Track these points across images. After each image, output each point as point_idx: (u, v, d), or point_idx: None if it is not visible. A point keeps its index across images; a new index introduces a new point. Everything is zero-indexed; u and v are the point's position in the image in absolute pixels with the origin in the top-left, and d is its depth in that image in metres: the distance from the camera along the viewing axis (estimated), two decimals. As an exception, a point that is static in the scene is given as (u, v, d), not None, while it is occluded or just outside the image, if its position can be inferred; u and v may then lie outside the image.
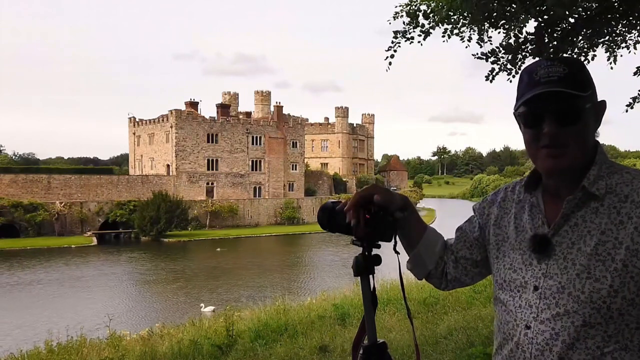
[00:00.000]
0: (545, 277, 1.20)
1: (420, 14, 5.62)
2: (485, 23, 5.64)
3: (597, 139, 1.27)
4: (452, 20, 5.61)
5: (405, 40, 5.78)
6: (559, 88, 1.17)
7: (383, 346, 1.32)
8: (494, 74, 6.11)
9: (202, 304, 22.52)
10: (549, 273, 1.20)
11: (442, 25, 5.66)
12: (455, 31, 5.73)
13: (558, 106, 1.18)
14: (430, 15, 5.60)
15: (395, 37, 5.78)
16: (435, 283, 1.52)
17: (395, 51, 5.84)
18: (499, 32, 5.88)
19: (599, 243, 1.15)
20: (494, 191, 1.47)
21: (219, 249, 43.92)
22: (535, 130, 1.22)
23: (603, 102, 1.27)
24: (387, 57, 5.86)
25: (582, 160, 1.22)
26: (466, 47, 5.92)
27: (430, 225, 1.50)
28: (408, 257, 1.50)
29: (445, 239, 1.52)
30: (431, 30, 5.72)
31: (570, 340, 1.14)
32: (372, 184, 1.43)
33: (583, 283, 1.14)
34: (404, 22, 5.75)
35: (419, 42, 5.80)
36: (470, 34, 5.81)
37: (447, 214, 71.42)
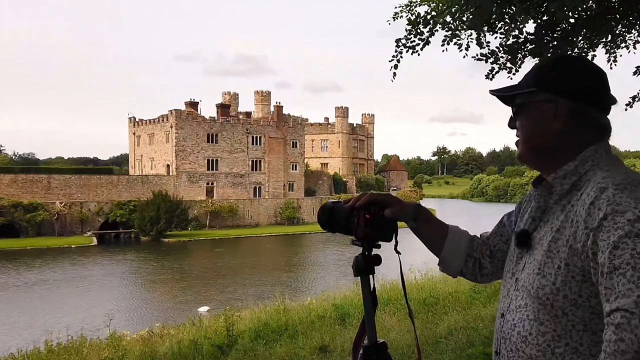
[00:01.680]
0: (522, 270, 1.25)
1: (420, 20, 5.62)
2: (484, 27, 5.64)
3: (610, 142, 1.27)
4: (451, 26, 5.62)
5: (407, 51, 5.80)
6: (494, 91, 1.34)
7: (383, 346, 1.33)
8: (493, 72, 6.13)
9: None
10: (525, 267, 1.24)
11: (442, 29, 5.66)
12: (455, 39, 5.74)
13: (505, 102, 1.35)
14: (430, 20, 5.60)
15: (398, 46, 5.79)
16: (470, 278, 1.54)
17: (398, 61, 5.87)
18: (496, 38, 5.89)
19: (552, 240, 1.17)
20: None
21: (220, 250, 43.95)
22: None
23: (577, 105, 1.23)
24: (391, 68, 5.89)
25: (533, 153, 1.29)
26: (464, 56, 5.92)
27: (453, 225, 1.51)
28: (438, 260, 1.52)
29: (480, 234, 1.54)
30: (430, 39, 5.75)
31: (524, 332, 1.18)
32: (387, 194, 1.46)
33: (534, 278, 1.17)
34: (405, 29, 5.75)
35: (417, 52, 5.81)
36: (469, 41, 5.83)
37: (447, 214, 71.46)
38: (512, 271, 1.29)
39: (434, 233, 1.48)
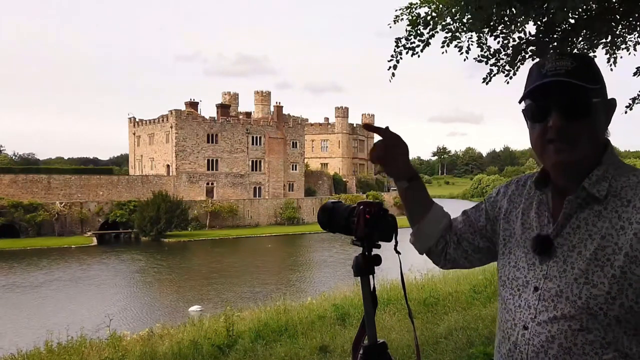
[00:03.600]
0: (546, 278, 1.19)
1: (420, 21, 5.61)
2: (484, 29, 5.63)
3: (609, 138, 1.24)
4: (451, 28, 5.61)
5: (407, 52, 5.77)
6: (566, 79, 1.15)
7: (383, 346, 1.33)
8: (491, 75, 6.12)
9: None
10: (549, 275, 1.19)
11: (442, 31, 5.65)
12: (455, 41, 5.73)
13: (564, 98, 1.16)
14: (430, 22, 5.58)
15: (397, 46, 5.77)
16: (434, 260, 1.54)
17: (397, 62, 5.83)
18: (497, 41, 5.88)
19: (598, 248, 1.13)
20: (505, 183, 1.45)
21: (220, 249, 43.98)
22: (541, 124, 1.19)
23: (613, 100, 1.24)
24: (389, 68, 5.85)
25: (590, 157, 1.18)
26: (464, 59, 5.90)
27: (438, 203, 1.50)
28: (411, 230, 1.52)
29: (452, 217, 1.53)
30: (430, 40, 5.73)
31: (567, 344, 1.13)
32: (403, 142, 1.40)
33: (580, 288, 1.13)
34: (406, 30, 5.74)
35: (416, 53, 5.80)
36: (469, 44, 5.81)
37: (447, 214, 71.38)
38: (525, 279, 1.23)
39: (420, 202, 1.47)
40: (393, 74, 5.91)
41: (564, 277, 1.16)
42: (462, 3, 5.19)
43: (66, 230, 48.78)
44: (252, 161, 62.63)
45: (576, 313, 1.12)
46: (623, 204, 1.14)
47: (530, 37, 5.82)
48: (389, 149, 1.39)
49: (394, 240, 1.36)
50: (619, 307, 1.09)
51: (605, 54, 6.22)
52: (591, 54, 6.17)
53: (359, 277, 1.35)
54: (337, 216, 1.40)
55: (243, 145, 61.92)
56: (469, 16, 5.31)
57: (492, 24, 5.62)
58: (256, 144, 63.08)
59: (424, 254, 1.54)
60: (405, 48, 5.79)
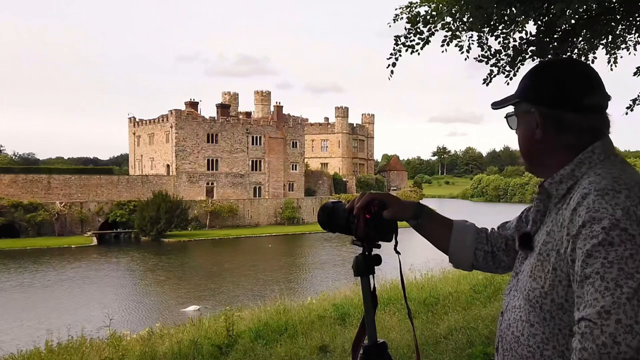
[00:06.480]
0: (523, 271, 1.27)
1: (420, 20, 5.61)
2: (485, 28, 5.63)
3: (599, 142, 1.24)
4: (451, 27, 5.61)
5: (407, 50, 5.76)
6: (501, 100, 1.34)
7: (383, 346, 1.33)
8: (491, 76, 6.11)
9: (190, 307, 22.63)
10: (523, 268, 1.27)
11: (442, 30, 5.65)
12: (455, 41, 5.72)
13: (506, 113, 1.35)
14: (430, 20, 5.58)
15: (396, 45, 5.76)
16: (487, 271, 1.54)
17: (397, 59, 5.82)
18: (498, 41, 5.87)
19: (543, 243, 1.18)
20: None
21: (220, 249, 43.97)
22: None
23: (555, 111, 1.22)
24: (388, 65, 5.84)
25: (526, 161, 1.31)
26: (465, 58, 5.90)
27: (458, 220, 1.51)
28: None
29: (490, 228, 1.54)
30: (430, 39, 5.72)
31: (517, 333, 1.20)
32: (386, 193, 1.45)
33: (527, 280, 1.20)
34: (405, 28, 5.73)
35: (416, 51, 5.79)
36: (470, 43, 5.81)
37: (447, 214, 71.38)
38: (516, 271, 1.31)
39: (437, 230, 1.48)
40: (392, 72, 5.91)
41: (526, 270, 1.24)
42: (462, 2, 5.19)
43: (66, 230, 48.78)
44: (252, 161, 62.62)
45: (522, 304, 1.20)
46: (566, 201, 1.17)
47: (530, 37, 5.81)
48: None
49: (394, 240, 1.36)
50: (551, 303, 1.13)
51: (606, 54, 6.23)
52: (591, 55, 6.17)
53: (359, 277, 1.35)
54: (337, 216, 1.40)
55: (243, 145, 61.91)
56: (469, 15, 5.31)
57: (492, 23, 5.62)
58: (256, 144, 63.08)
59: (473, 270, 1.55)
60: (404, 46, 5.78)
